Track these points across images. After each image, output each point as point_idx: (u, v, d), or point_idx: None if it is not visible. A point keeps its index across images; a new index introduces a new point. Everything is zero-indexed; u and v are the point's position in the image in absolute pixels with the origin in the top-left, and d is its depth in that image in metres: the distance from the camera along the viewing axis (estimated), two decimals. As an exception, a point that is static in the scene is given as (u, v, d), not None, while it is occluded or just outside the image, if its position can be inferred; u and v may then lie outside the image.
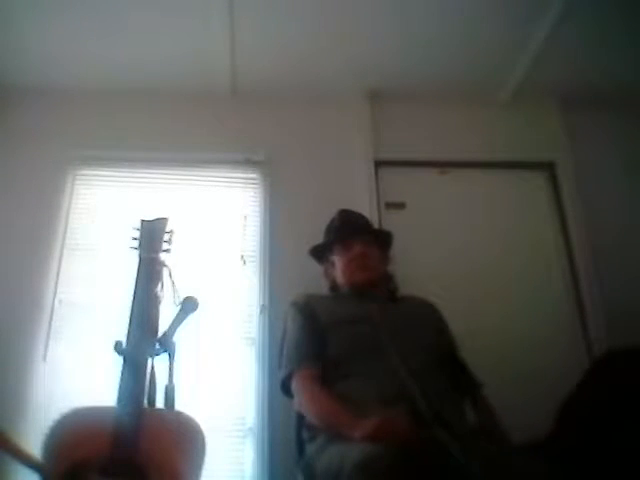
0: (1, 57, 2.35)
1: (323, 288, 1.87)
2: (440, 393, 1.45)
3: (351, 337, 1.56)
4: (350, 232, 1.82)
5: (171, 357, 1.44)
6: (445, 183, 2.50)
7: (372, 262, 1.77)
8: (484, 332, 2.06)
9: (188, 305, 1.51)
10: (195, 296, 1.53)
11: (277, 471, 1.91)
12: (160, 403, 1.37)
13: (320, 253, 1.91)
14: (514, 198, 2.48)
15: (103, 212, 2.34)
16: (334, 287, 1.83)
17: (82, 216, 2.34)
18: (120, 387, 1.29)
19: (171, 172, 2.43)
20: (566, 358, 2.17)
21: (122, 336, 1.38)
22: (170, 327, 1.47)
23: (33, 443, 1.30)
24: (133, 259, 1.55)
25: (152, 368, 1.38)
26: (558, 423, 1.28)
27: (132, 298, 1.46)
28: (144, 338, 1.39)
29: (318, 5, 2.13)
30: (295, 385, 1.54)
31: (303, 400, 1.51)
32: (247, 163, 2.45)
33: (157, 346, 1.42)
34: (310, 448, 1.49)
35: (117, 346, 1.36)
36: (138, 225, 1.61)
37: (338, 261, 1.80)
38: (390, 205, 2.40)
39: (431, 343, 1.61)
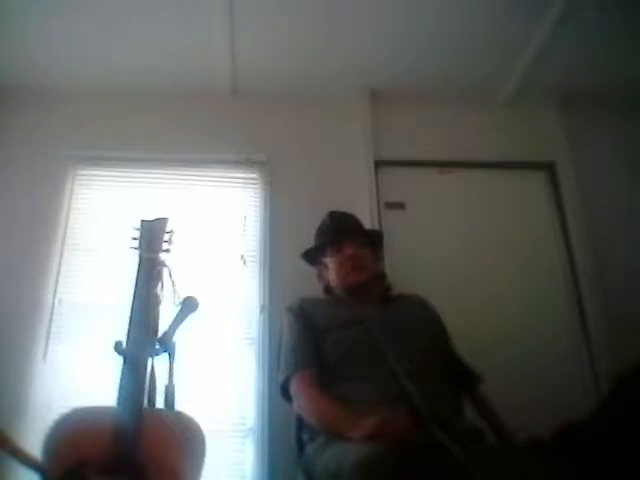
0: (1, 57, 2.35)
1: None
2: (439, 394, 1.45)
3: (348, 340, 1.56)
4: (341, 233, 1.81)
5: (171, 357, 1.44)
6: (445, 183, 2.49)
7: (365, 263, 1.76)
8: (484, 332, 2.06)
9: (188, 305, 1.51)
10: (195, 296, 1.53)
11: (277, 471, 1.91)
12: (160, 403, 1.37)
13: (312, 256, 1.90)
14: (514, 198, 2.48)
15: (103, 212, 2.34)
16: (328, 289, 1.82)
17: (82, 216, 2.34)
18: (120, 387, 1.29)
19: (171, 172, 2.44)
20: (566, 358, 2.17)
21: (122, 336, 1.38)
22: (170, 327, 1.47)
23: (33, 443, 1.30)
24: (133, 259, 1.55)
25: (152, 368, 1.38)
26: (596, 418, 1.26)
27: (132, 298, 1.46)
28: (144, 338, 1.39)
29: (318, 5, 2.14)
30: (294, 389, 1.54)
31: (302, 403, 1.51)
32: (247, 163, 2.45)
33: (157, 346, 1.42)
34: (310, 448, 1.49)
35: (117, 346, 1.36)
36: (138, 225, 1.61)
37: (330, 263, 1.79)
38: (390, 205, 2.40)
39: (429, 342, 1.60)
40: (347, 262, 1.74)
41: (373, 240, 1.89)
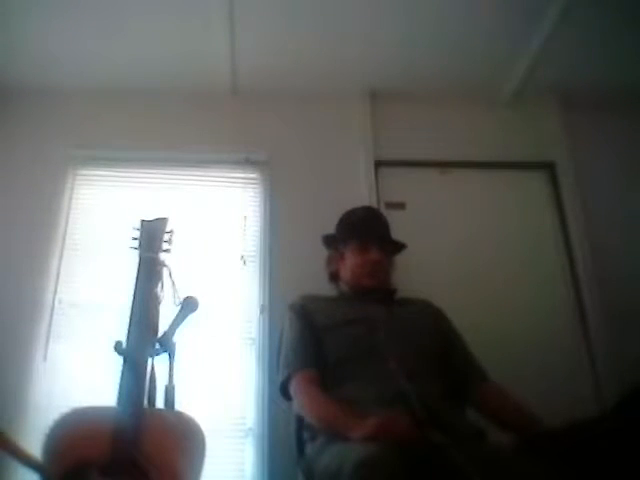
0: (1, 57, 2.35)
1: (323, 289, 1.86)
2: (438, 395, 1.44)
3: (349, 339, 1.56)
4: (372, 235, 1.80)
5: (171, 357, 1.44)
6: (445, 183, 2.49)
7: (383, 272, 1.77)
8: (484, 332, 2.05)
9: (188, 305, 1.51)
10: (195, 296, 1.53)
11: (277, 471, 1.91)
12: (160, 403, 1.37)
13: (330, 240, 1.90)
14: (514, 198, 2.48)
15: (103, 212, 2.34)
16: (334, 277, 1.83)
17: (82, 216, 2.34)
18: (120, 387, 1.29)
19: (171, 172, 2.43)
20: (566, 358, 2.17)
21: (122, 336, 1.38)
22: (170, 327, 1.47)
23: (33, 443, 1.30)
24: (133, 259, 1.55)
25: (152, 368, 1.38)
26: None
27: (132, 298, 1.46)
28: (144, 338, 1.39)
29: (318, 5, 2.13)
30: (294, 388, 1.53)
31: (302, 403, 1.51)
32: (247, 163, 2.45)
33: (157, 346, 1.42)
34: (310, 448, 1.48)
35: (117, 346, 1.36)
36: (138, 225, 1.61)
37: (350, 258, 1.78)
38: (390, 205, 2.40)
39: (430, 345, 1.60)
40: (368, 266, 1.74)
41: (396, 251, 1.89)
